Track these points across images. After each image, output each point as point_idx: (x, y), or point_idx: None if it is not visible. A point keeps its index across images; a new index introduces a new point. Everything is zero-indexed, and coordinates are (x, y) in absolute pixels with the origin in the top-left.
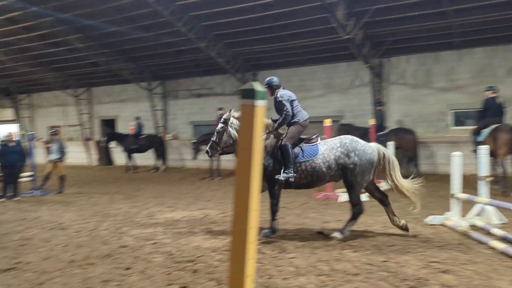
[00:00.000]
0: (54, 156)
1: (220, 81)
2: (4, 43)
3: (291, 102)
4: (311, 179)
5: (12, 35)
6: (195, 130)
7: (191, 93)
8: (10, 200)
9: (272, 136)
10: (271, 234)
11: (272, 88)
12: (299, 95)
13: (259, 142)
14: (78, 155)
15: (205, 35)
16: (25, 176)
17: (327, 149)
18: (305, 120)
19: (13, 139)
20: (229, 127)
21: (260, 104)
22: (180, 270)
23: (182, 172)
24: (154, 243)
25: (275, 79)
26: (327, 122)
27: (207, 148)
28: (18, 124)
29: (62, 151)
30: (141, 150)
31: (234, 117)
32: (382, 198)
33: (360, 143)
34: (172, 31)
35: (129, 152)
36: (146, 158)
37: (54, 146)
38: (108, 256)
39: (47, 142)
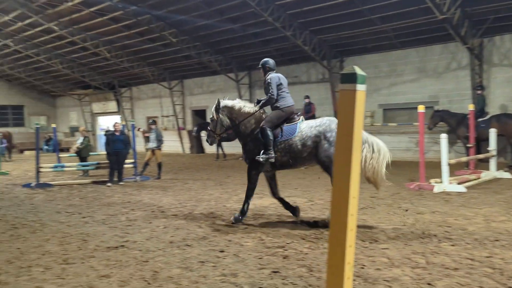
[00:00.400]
0: (152, 144)
1: (306, 69)
2: (108, 41)
3: (278, 86)
4: (289, 156)
5: (115, 33)
6: None
7: None
8: (116, 184)
9: (253, 119)
10: (242, 219)
11: (265, 69)
12: (389, 80)
13: (360, 128)
14: (172, 143)
15: (290, 24)
16: (128, 163)
17: (306, 127)
18: (288, 106)
19: (119, 128)
20: (220, 115)
21: (361, 89)
22: (271, 255)
23: None
24: (245, 228)
25: (270, 61)
26: (421, 109)
27: (206, 138)
28: (120, 115)
29: (159, 140)
30: (230, 139)
31: (225, 105)
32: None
33: (335, 122)
34: (259, 21)
35: (219, 140)
36: (234, 147)
37: (152, 135)
38: (203, 239)
39: (145, 132)
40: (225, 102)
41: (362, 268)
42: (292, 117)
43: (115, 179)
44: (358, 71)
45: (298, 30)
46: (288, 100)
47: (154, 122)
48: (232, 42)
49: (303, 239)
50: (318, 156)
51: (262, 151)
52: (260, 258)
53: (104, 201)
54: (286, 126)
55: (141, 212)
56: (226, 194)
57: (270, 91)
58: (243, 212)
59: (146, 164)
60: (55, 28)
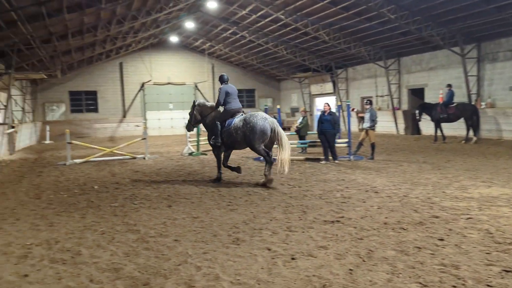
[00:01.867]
0: (366, 124)
1: None
2: (327, 25)
3: (226, 93)
4: (230, 139)
5: (333, 16)
6: None
7: None
8: (329, 162)
9: (212, 114)
10: (217, 182)
11: (220, 81)
12: None
13: None
14: (386, 124)
15: None
16: (341, 142)
17: (238, 120)
18: (232, 108)
19: (327, 109)
20: (194, 111)
21: None
22: (501, 251)
23: (498, 144)
24: (469, 218)
25: (224, 76)
26: None
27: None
28: (335, 96)
29: (373, 120)
30: (451, 119)
31: (198, 103)
32: (269, 155)
33: (257, 117)
34: None
35: (438, 121)
36: (455, 128)
37: (367, 115)
38: (420, 224)
39: (359, 112)
40: (198, 101)
41: None
42: (236, 115)
43: (330, 157)
44: None
45: None
46: (234, 104)
47: (370, 102)
48: (458, 12)
49: None
50: (246, 140)
51: (212, 137)
52: (487, 253)
53: (321, 177)
54: (229, 120)
55: (355, 190)
56: (445, 179)
57: (218, 98)
58: (218, 177)
59: (360, 144)
60: (281, 17)
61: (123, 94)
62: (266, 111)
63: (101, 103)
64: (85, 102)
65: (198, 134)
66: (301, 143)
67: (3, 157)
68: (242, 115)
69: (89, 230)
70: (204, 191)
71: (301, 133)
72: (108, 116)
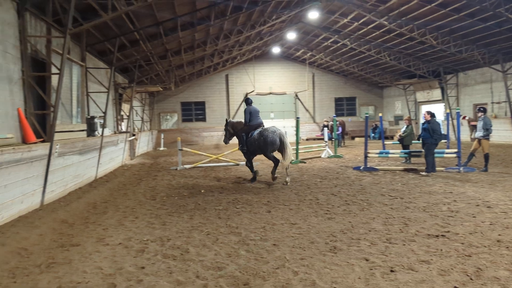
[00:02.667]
0: (479, 133)
1: None
2: (435, 28)
3: (250, 113)
4: (252, 147)
5: (442, 19)
6: None
7: None
8: (431, 173)
9: (240, 128)
10: (253, 181)
11: (246, 102)
12: None
13: None
14: (503, 133)
15: None
16: (450, 153)
17: (256, 133)
18: (253, 124)
19: (427, 118)
20: (228, 127)
21: None
22: None
23: None
24: None
25: (248, 100)
26: None
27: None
28: (443, 103)
29: (487, 129)
30: None
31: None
32: (276, 160)
33: (268, 131)
34: None
35: None
36: None
37: (479, 124)
38: None
39: (471, 120)
40: (229, 120)
41: None
42: (257, 129)
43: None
44: None
45: None
46: (255, 120)
47: (483, 110)
48: None
49: None
50: (261, 150)
51: (240, 145)
52: None
53: (425, 189)
54: (251, 132)
55: (464, 204)
56: None
57: (245, 117)
58: (253, 177)
59: (472, 154)
60: (385, 23)
61: (228, 104)
62: (366, 119)
63: (208, 113)
64: (195, 112)
65: (298, 143)
66: (405, 153)
67: (126, 162)
68: (262, 128)
69: (196, 230)
70: (302, 198)
71: (404, 142)
72: (214, 125)
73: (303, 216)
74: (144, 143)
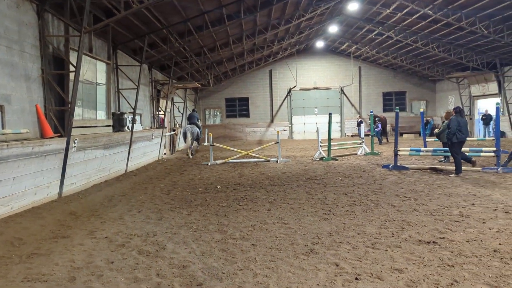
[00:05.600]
0: None
1: None
2: (486, 16)
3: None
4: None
5: (493, 6)
6: None
7: None
8: (458, 175)
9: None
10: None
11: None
12: None
13: None
14: None
15: None
16: (488, 151)
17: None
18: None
19: (450, 115)
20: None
21: None
22: None
23: None
24: None
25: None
26: None
27: None
28: (500, 98)
29: None
30: None
31: None
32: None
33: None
34: None
35: None
36: None
37: None
38: None
39: None
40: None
41: None
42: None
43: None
44: None
45: None
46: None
47: None
48: None
49: None
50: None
51: None
52: None
53: (448, 190)
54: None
55: (481, 208)
56: None
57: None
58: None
59: None
60: (429, 12)
61: (271, 100)
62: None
63: (251, 109)
64: (238, 108)
65: (329, 139)
66: (441, 150)
67: (163, 156)
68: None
69: (186, 227)
70: (311, 197)
71: (441, 139)
72: (258, 121)
73: (300, 216)
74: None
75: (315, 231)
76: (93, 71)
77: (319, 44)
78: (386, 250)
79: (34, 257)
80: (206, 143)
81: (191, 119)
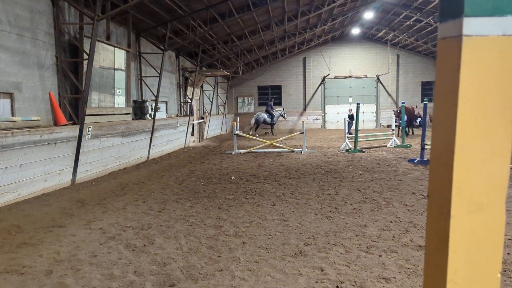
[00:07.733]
0: None
1: None
2: None
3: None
4: None
5: None
6: None
7: None
8: None
9: None
10: None
11: None
12: None
13: None
14: None
15: None
16: None
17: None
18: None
19: None
20: None
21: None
22: None
23: None
24: None
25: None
26: None
27: None
28: None
29: None
30: None
31: None
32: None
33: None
34: None
35: None
36: None
37: None
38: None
39: None
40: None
41: None
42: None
43: None
44: None
45: None
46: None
47: None
48: None
49: None
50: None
51: None
52: None
53: None
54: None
55: None
56: None
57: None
58: None
59: None
60: None
61: (304, 88)
62: (425, 106)
63: (284, 97)
64: (271, 96)
65: (357, 131)
66: None
67: (190, 144)
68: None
69: (183, 220)
70: (321, 192)
71: None
72: (290, 109)
73: (303, 212)
74: (215, 126)
75: (313, 230)
76: (111, 59)
77: (355, 31)
78: (380, 256)
79: (23, 247)
80: (236, 131)
81: (266, 107)
